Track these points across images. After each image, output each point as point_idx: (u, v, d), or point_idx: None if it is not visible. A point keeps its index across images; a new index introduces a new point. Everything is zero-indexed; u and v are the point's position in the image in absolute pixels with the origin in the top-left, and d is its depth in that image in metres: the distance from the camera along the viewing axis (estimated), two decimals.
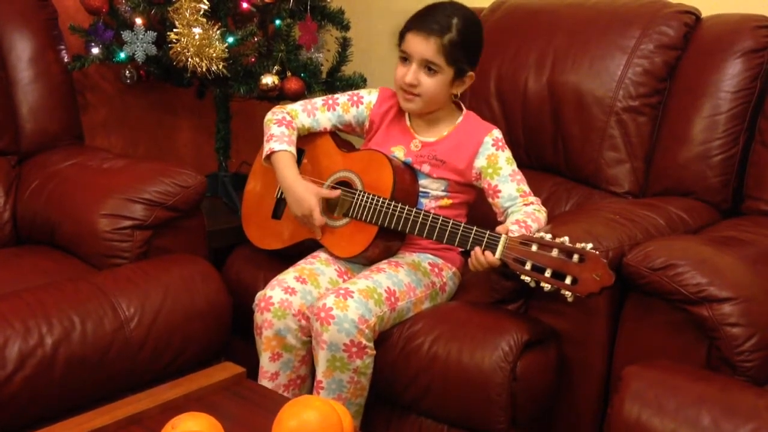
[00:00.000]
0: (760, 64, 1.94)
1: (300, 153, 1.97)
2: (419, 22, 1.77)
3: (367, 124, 1.95)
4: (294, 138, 1.90)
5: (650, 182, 2.05)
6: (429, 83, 1.78)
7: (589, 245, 1.52)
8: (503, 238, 1.61)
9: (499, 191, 1.82)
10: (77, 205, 1.95)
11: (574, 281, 1.52)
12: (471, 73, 1.83)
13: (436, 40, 1.74)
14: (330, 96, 1.98)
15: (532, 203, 1.81)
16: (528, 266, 1.56)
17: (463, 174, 1.85)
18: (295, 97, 2.37)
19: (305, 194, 1.82)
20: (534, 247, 1.57)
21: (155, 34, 2.26)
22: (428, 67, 1.77)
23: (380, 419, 1.81)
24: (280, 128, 1.89)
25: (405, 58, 1.79)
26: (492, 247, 1.62)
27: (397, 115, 1.92)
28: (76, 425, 1.31)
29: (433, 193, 1.87)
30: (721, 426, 1.30)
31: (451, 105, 1.89)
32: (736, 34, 1.96)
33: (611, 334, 1.69)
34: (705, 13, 2.09)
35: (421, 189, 1.86)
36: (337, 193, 1.85)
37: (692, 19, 2.06)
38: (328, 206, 1.90)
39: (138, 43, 2.25)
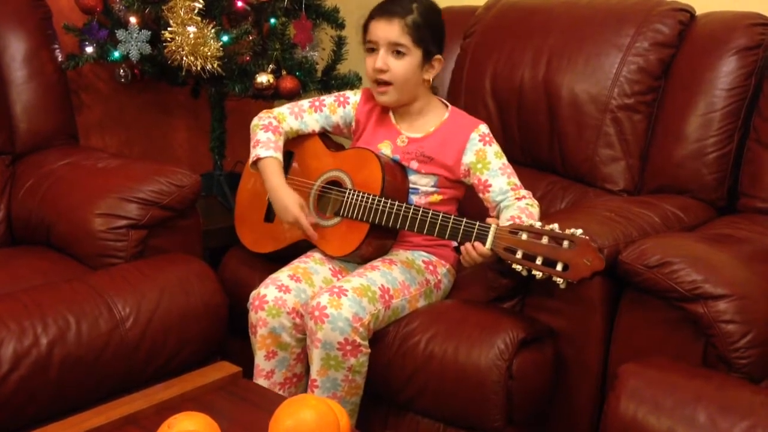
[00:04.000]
0: (754, 61, 1.94)
1: (289, 155, 1.97)
2: (380, 10, 1.80)
3: (353, 124, 1.95)
4: (281, 143, 1.91)
5: (645, 180, 2.05)
6: (398, 66, 1.79)
7: (579, 231, 1.52)
8: (493, 227, 1.61)
9: (490, 185, 1.82)
10: (72, 205, 1.95)
11: (565, 267, 1.52)
12: (438, 57, 1.84)
13: (399, 21, 1.77)
14: (317, 98, 1.98)
15: (524, 197, 1.81)
16: (519, 255, 1.56)
17: (452, 170, 1.85)
18: (290, 96, 2.37)
19: (289, 204, 1.82)
20: (524, 236, 1.57)
21: (150, 32, 2.25)
22: (396, 50, 1.78)
23: (377, 418, 1.81)
24: (266, 134, 1.89)
25: (372, 49, 1.82)
26: (482, 237, 1.62)
27: (381, 112, 1.92)
28: (71, 426, 1.31)
29: (423, 189, 1.87)
30: (717, 423, 1.31)
31: (433, 99, 1.89)
32: (731, 31, 1.97)
33: (607, 331, 1.69)
34: (699, 10, 2.10)
35: (410, 185, 1.86)
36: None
37: (687, 16, 2.06)
38: (320, 206, 1.90)
39: (132, 42, 2.24)
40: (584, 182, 2.12)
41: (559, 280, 1.53)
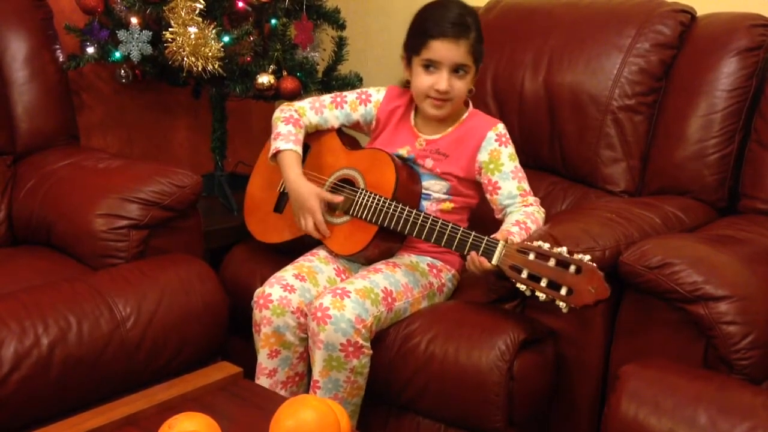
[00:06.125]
0: (756, 62, 1.94)
1: (305, 148, 1.97)
2: (441, 29, 1.75)
3: (374, 122, 1.95)
4: (300, 137, 1.90)
5: (646, 181, 2.05)
6: (460, 86, 1.79)
7: (587, 257, 1.51)
8: (501, 244, 1.60)
9: (499, 188, 1.81)
10: (73, 205, 1.95)
11: (570, 292, 1.51)
12: (481, 65, 1.85)
13: (466, 43, 1.75)
14: (338, 93, 1.98)
15: (531, 204, 1.80)
16: (524, 274, 1.56)
17: (466, 169, 1.84)
18: (290, 97, 2.37)
19: (308, 196, 1.82)
20: (531, 256, 1.56)
21: (151, 33, 2.25)
22: (457, 70, 1.77)
23: (377, 419, 1.81)
24: (287, 126, 1.89)
25: (428, 66, 1.78)
26: (489, 253, 1.62)
27: (403, 115, 1.92)
28: (72, 426, 1.31)
29: (435, 196, 1.86)
30: (717, 425, 1.31)
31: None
32: (732, 32, 1.97)
33: (608, 333, 1.69)
34: (700, 12, 2.10)
35: (423, 191, 1.86)
36: (340, 198, 1.84)
37: (687, 18, 2.06)
38: (330, 204, 1.90)
39: (133, 42, 2.24)
40: (585, 183, 2.12)
41: (562, 305, 1.52)
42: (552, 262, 1.53)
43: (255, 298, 1.77)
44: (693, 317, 1.52)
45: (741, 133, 1.96)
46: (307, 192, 1.83)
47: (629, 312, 1.65)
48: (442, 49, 1.75)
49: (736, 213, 1.95)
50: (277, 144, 1.88)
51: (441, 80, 1.76)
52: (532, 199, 1.82)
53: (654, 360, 1.50)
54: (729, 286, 1.50)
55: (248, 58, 2.37)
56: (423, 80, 1.79)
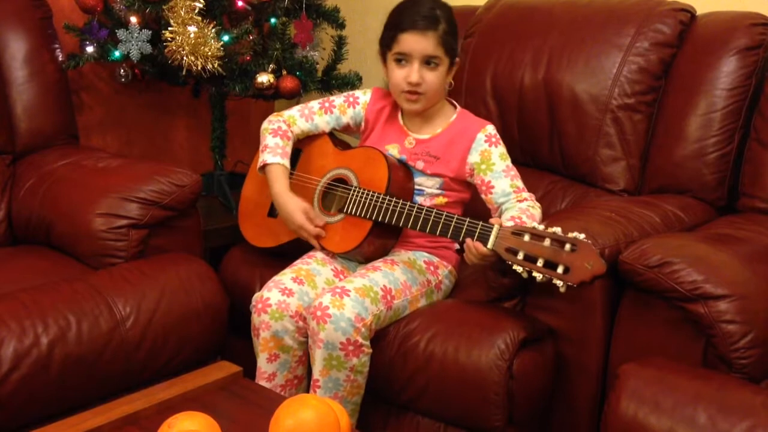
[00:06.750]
0: (755, 61, 1.94)
1: (297, 152, 1.98)
2: (410, 22, 1.77)
3: (363, 124, 1.96)
4: (288, 149, 1.92)
5: (646, 180, 2.05)
6: (432, 78, 1.79)
7: (582, 235, 1.52)
8: (496, 227, 1.61)
9: (492, 187, 1.82)
10: (72, 205, 1.95)
11: (566, 270, 1.51)
12: (457, 59, 1.86)
13: (434, 34, 1.76)
14: (326, 98, 1.99)
15: (525, 199, 1.81)
16: (520, 256, 1.56)
17: (457, 170, 1.85)
18: (290, 96, 2.38)
19: (293, 211, 1.84)
20: (526, 237, 1.57)
21: (150, 32, 2.25)
22: (428, 62, 1.78)
23: (377, 418, 1.81)
24: (275, 139, 1.91)
25: (400, 60, 1.80)
26: (485, 237, 1.62)
27: (390, 114, 1.93)
28: (71, 425, 1.31)
29: (429, 191, 1.87)
30: (717, 424, 1.31)
31: (444, 101, 1.90)
32: (731, 31, 1.97)
33: (608, 331, 1.69)
34: (700, 10, 2.10)
35: (416, 186, 1.87)
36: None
37: (687, 16, 2.06)
38: (325, 203, 1.91)
39: (133, 41, 2.24)
40: (585, 182, 2.12)
41: (560, 283, 1.52)
42: (547, 242, 1.54)
43: (253, 303, 1.78)
44: (692, 316, 1.52)
45: (740, 131, 1.96)
46: (291, 208, 1.85)
47: (629, 311, 1.65)
48: (411, 42, 1.77)
49: (736, 212, 1.95)
50: (264, 157, 1.90)
51: (412, 72, 1.78)
52: (526, 194, 1.82)
53: (653, 359, 1.50)
54: (728, 284, 1.50)
55: (248, 58, 2.37)
56: (396, 74, 1.81)
